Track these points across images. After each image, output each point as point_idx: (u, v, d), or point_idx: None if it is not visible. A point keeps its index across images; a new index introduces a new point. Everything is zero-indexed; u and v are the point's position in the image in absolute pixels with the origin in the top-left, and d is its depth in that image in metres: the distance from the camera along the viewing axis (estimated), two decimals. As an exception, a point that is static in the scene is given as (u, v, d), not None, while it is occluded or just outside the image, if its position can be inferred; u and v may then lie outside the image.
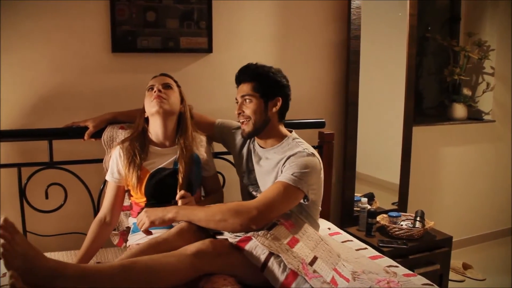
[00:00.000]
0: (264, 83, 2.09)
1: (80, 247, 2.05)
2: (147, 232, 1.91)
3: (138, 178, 2.04)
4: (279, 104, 2.11)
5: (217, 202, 2.10)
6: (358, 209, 3.09)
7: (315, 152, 2.06)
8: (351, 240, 2.54)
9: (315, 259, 1.81)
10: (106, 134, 2.30)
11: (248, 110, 2.08)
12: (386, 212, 3.10)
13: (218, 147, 2.47)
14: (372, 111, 3.26)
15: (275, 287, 1.69)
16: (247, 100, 2.09)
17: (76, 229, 2.43)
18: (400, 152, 3.36)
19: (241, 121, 2.13)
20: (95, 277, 1.50)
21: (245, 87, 2.10)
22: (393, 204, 3.43)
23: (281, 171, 2.01)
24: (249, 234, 1.78)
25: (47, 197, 2.34)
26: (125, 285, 1.54)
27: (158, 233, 1.95)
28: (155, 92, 2.08)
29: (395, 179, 3.43)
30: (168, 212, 1.88)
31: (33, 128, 2.35)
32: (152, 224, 1.87)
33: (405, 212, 3.28)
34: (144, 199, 2.09)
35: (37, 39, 2.38)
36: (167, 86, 2.12)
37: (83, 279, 1.48)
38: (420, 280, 2.02)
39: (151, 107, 2.08)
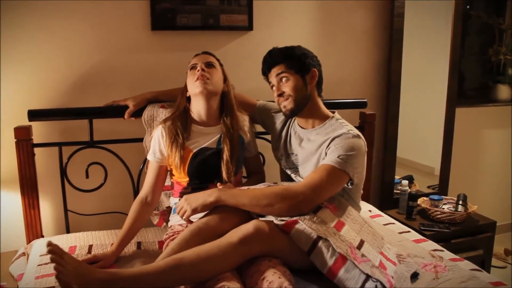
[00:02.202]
0: (294, 59, 2.03)
1: (120, 226, 2.05)
2: (189, 221, 1.87)
3: (181, 158, 2.01)
4: (316, 76, 2.05)
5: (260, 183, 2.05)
6: (398, 191, 3.03)
7: (360, 134, 1.99)
8: (393, 223, 2.48)
9: (362, 242, 1.77)
10: (146, 113, 2.28)
11: (288, 88, 2.01)
12: (426, 195, 3.05)
13: (257, 127, 2.43)
14: (411, 92, 3.17)
15: (322, 271, 1.65)
16: (284, 79, 2.02)
17: (116, 208, 2.45)
18: (439, 134, 3.29)
19: (281, 102, 2.06)
20: (145, 280, 1.52)
21: (277, 69, 2.04)
22: (428, 187, 3.38)
23: (325, 153, 1.95)
24: (295, 218, 1.73)
25: (87, 177, 2.34)
26: (174, 282, 1.57)
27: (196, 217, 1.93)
28: (198, 71, 2.03)
29: (431, 162, 3.37)
30: (209, 196, 1.83)
31: (73, 107, 2.35)
32: (194, 212, 1.82)
33: (445, 195, 3.20)
34: (187, 178, 2.06)
35: (77, 18, 2.37)
36: (210, 65, 2.07)
37: (135, 283, 1.52)
38: (467, 265, 1.97)
39: (194, 87, 2.03)
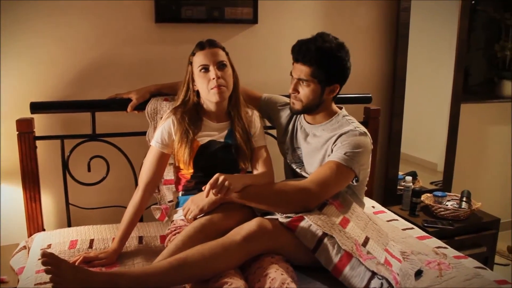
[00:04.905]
0: (325, 69, 1.92)
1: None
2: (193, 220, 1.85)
3: (189, 154, 1.97)
4: (336, 91, 2.01)
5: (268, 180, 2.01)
6: (401, 187, 3.01)
7: (367, 131, 1.97)
8: (397, 219, 2.47)
9: (367, 239, 1.76)
10: (150, 106, 2.27)
11: (303, 93, 1.96)
12: (430, 191, 3.03)
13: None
14: (415, 87, 3.14)
15: (327, 268, 1.65)
16: (304, 83, 1.95)
17: (117, 202, 2.42)
18: (442, 130, 3.27)
19: (292, 98, 2.02)
20: (148, 281, 1.52)
21: (303, 70, 1.93)
22: (431, 183, 3.36)
23: (332, 150, 1.93)
24: (300, 214, 1.72)
25: (89, 170, 2.32)
26: (178, 282, 1.58)
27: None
28: (213, 79, 1.93)
29: (434, 158, 3.35)
30: None
31: (76, 100, 2.33)
32: (201, 211, 1.82)
33: (449, 192, 3.18)
34: (191, 171, 2.02)
35: (80, 9, 2.34)
36: (222, 66, 1.98)
37: (138, 284, 1.51)
38: (471, 262, 1.96)
39: (210, 95, 1.96)
